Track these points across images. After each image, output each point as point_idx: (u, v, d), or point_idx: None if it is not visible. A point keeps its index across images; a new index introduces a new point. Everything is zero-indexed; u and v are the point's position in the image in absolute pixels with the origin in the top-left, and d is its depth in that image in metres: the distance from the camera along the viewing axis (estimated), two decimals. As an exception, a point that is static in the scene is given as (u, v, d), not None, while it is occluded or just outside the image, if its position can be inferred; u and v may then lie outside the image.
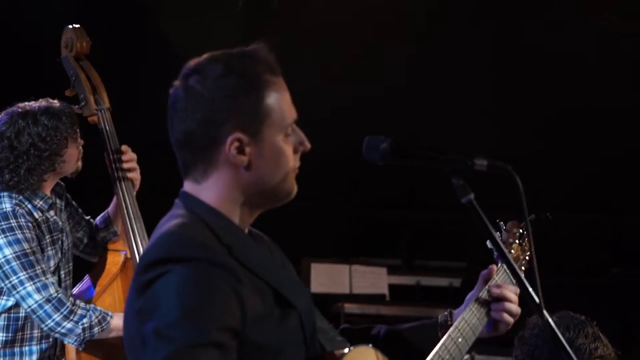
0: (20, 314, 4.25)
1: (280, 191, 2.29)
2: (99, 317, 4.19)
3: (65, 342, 4.24)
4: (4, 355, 4.24)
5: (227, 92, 2.22)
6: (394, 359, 2.38)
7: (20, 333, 4.26)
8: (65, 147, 4.26)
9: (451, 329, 2.57)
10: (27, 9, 6.60)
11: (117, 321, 4.22)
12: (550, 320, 2.36)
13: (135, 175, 4.58)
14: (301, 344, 2.24)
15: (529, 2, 7.41)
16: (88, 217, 4.65)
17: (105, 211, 4.69)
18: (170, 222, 2.22)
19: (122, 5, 6.90)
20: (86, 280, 4.53)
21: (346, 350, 2.25)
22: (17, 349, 4.27)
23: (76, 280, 4.54)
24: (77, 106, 4.56)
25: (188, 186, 2.30)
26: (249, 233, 2.36)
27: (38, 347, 4.29)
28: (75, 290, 4.48)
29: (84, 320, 4.15)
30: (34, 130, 4.19)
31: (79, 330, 4.14)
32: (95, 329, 4.17)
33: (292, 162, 2.29)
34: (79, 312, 4.16)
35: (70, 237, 4.47)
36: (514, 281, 2.78)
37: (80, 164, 4.38)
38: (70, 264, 4.46)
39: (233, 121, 2.22)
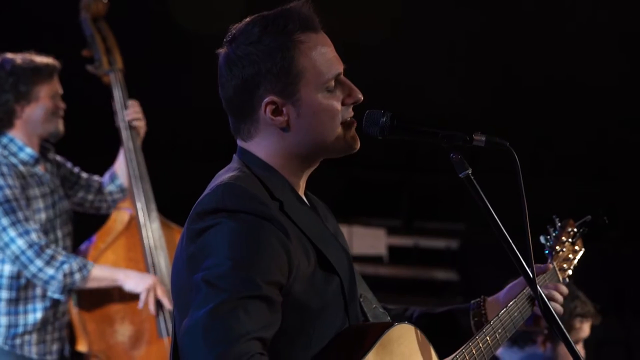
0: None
1: (335, 145, 2.30)
2: (80, 264, 4.23)
3: (49, 294, 4.27)
4: (9, 314, 4.29)
5: (257, 57, 2.24)
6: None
7: (23, 292, 4.31)
8: (16, 102, 4.31)
9: (493, 318, 2.52)
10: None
11: (97, 271, 4.27)
12: (544, 296, 2.36)
13: (141, 124, 4.66)
14: (342, 310, 2.27)
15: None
16: (88, 175, 4.70)
17: (112, 166, 4.77)
18: (226, 174, 2.26)
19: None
20: (92, 238, 4.57)
21: (393, 325, 2.26)
22: (21, 307, 4.31)
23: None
24: (91, 66, 4.66)
25: (240, 142, 2.34)
26: (305, 195, 2.38)
27: (42, 304, 4.33)
28: (80, 247, 4.54)
29: (65, 267, 4.19)
30: None
31: (60, 277, 4.18)
32: (77, 276, 4.21)
33: (339, 116, 2.29)
34: (60, 258, 4.20)
35: (65, 201, 4.51)
36: (560, 280, 2.83)
37: (61, 127, 4.42)
38: (70, 226, 4.51)
39: (265, 85, 2.24)
